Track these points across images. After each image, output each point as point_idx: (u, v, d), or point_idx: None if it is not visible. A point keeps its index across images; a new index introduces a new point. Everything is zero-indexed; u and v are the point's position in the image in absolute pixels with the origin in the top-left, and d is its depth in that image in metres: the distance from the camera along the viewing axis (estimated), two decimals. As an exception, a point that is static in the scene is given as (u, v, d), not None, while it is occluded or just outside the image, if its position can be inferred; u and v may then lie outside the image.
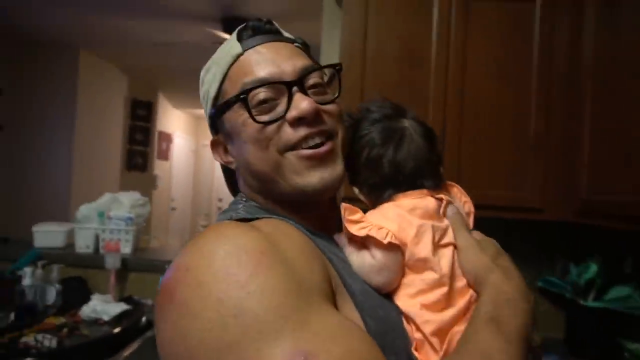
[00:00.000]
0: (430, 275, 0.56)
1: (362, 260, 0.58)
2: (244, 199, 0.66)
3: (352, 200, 0.66)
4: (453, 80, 1.58)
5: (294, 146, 0.59)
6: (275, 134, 0.59)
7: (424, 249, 0.57)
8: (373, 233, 0.56)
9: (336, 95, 0.63)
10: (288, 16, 3.42)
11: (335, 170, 0.60)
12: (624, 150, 1.24)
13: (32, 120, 4.48)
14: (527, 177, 1.54)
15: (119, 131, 5.42)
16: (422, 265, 0.57)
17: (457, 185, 0.69)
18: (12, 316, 1.73)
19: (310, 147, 0.58)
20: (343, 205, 0.59)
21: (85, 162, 4.68)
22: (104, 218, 2.16)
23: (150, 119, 5.97)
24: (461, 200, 0.67)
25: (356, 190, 0.67)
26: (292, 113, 0.58)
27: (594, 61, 1.42)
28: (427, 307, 0.55)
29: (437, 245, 0.58)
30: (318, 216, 0.63)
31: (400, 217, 0.58)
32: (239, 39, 0.64)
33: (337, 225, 0.63)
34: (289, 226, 0.59)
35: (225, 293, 0.45)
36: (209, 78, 0.66)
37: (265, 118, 0.59)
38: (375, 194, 0.64)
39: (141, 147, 5.86)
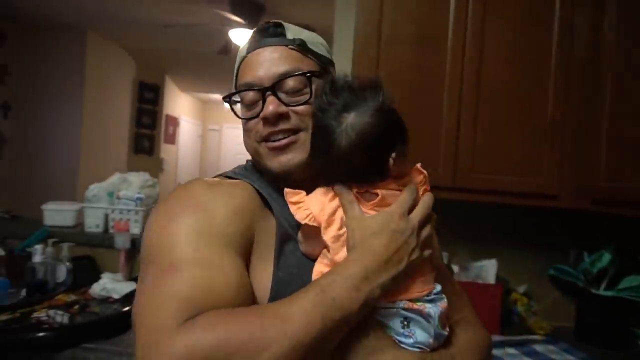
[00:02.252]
0: (328, 257, 0.67)
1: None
2: (250, 162, 0.83)
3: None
4: (469, 65, 1.56)
5: (264, 139, 0.74)
6: (254, 126, 0.75)
7: (329, 233, 0.66)
8: (297, 214, 0.68)
9: (307, 98, 0.74)
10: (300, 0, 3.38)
11: (295, 157, 0.73)
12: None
13: (40, 101, 4.47)
14: (543, 164, 1.53)
15: (126, 114, 5.41)
16: (327, 246, 0.67)
17: (424, 172, 0.71)
18: (23, 292, 1.74)
19: (273, 141, 0.73)
20: (285, 190, 0.70)
21: (93, 144, 4.69)
22: (114, 198, 2.16)
23: (157, 102, 5.95)
24: (419, 188, 0.69)
25: None
26: (261, 114, 0.73)
27: (616, 45, 1.40)
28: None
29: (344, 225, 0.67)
30: (298, 187, 0.73)
31: (322, 202, 0.68)
32: (249, 42, 0.78)
33: None
34: (246, 189, 0.73)
35: (164, 218, 0.66)
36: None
37: (248, 114, 0.76)
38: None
39: (148, 131, 5.86)
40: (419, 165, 0.71)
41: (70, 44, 4.48)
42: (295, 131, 0.73)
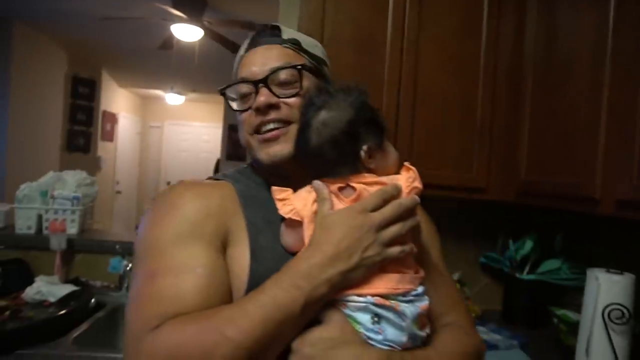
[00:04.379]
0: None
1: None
2: (245, 165, 0.88)
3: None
4: (407, 68, 1.64)
5: (256, 130, 0.77)
6: (247, 118, 0.78)
7: (310, 229, 0.67)
8: (282, 209, 0.71)
9: (297, 90, 0.77)
10: (243, -4, 3.36)
11: (283, 148, 0.75)
12: (558, 137, 1.36)
13: (-40, 95, 4.14)
14: (473, 160, 1.64)
15: (58, 110, 5.12)
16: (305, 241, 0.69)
17: (412, 168, 0.71)
18: (-54, 300, 1.63)
19: (264, 132, 0.76)
20: (273, 188, 0.73)
21: (22, 142, 4.40)
22: (47, 197, 2.06)
23: (94, 97, 5.68)
24: (407, 185, 0.69)
25: None
26: (254, 105, 0.76)
27: (534, 56, 1.53)
28: None
29: None
30: (286, 181, 0.76)
31: (305, 198, 0.70)
32: (247, 42, 0.83)
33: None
34: (223, 189, 0.77)
35: (149, 221, 0.72)
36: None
37: (242, 107, 0.79)
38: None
39: (83, 127, 5.58)
40: (406, 163, 0.72)
41: (-6, 34, 4.18)
42: (286, 122, 0.76)
